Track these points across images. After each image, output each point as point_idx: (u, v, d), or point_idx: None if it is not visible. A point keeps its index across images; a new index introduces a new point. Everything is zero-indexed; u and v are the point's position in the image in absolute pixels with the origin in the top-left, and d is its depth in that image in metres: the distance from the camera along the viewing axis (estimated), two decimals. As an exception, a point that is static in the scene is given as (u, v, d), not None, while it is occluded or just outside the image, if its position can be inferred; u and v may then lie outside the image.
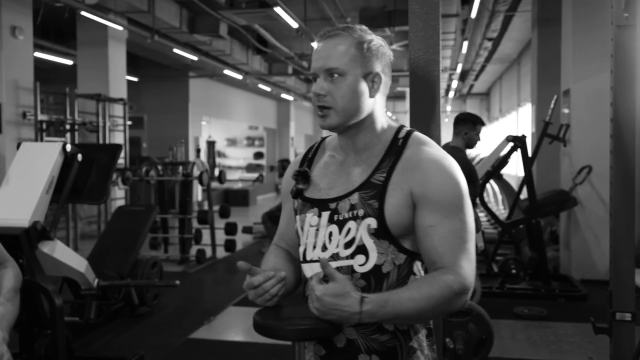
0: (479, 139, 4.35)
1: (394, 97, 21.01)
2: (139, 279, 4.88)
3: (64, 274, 4.11)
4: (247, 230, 9.21)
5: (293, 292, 1.53)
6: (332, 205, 1.43)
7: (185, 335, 4.62)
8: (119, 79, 9.42)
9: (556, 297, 5.58)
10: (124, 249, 4.97)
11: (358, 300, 1.28)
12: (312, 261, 1.45)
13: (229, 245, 7.54)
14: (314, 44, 1.46)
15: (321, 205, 1.45)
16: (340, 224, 1.41)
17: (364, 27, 1.47)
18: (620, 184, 3.04)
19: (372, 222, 1.37)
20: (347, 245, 1.40)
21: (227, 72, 11.79)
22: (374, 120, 1.46)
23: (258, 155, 19.53)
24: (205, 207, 11.37)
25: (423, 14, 1.91)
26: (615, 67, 3.01)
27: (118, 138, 9.18)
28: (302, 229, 1.48)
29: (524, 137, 5.84)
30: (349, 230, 1.40)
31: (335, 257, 1.41)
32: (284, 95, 17.10)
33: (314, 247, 1.45)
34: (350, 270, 1.39)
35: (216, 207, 8.73)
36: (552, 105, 6.18)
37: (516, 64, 14.20)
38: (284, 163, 9.19)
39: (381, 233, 1.37)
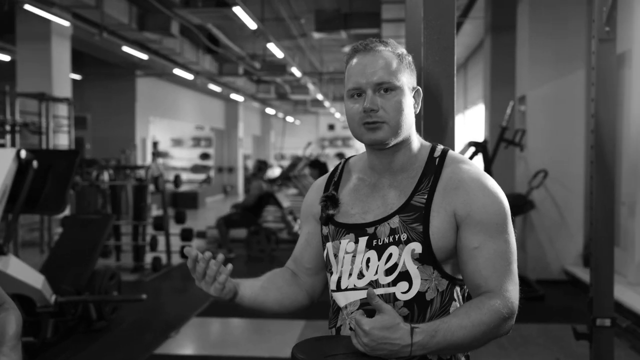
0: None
1: (342, 98, 21.05)
2: (97, 292, 4.64)
3: (19, 291, 3.85)
4: (201, 235, 9.01)
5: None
6: (370, 230, 1.35)
7: (149, 350, 4.42)
8: (63, 77, 9.01)
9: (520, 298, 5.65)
10: (80, 261, 4.71)
11: (408, 332, 1.21)
12: (347, 289, 1.37)
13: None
14: (354, 60, 1.37)
15: (358, 230, 1.37)
16: (380, 250, 1.34)
17: (390, 39, 1.41)
18: (601, 195, 3.06)
19: (416, 246, 1.31)
20: (389, 271, 1.33)
21: (177, 71, 11.51)
22: (413, 139, 1.40)
23: (204, 156, 19.20)
24: (154, 211, 11.08)
25: (438, 26, 1.84)
26: (596, 79, 3.03)
27: (62, 140, 8.79)
28: (335, 256, 1.40)
29: (485, 142, 5.91)
30: (390, 255, 1.33)
31: (374, 284, 1.34)
32: (233, 96, 16.86)
33: (350, 274, 1.37)
34: (392, 298, 1.32)
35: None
36: (508, 111, 6.29)
37: (463, 68, 14.44)
38: (261, 165, 9.00)
39: (426, 258, 1.31)
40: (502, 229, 1.32)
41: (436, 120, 1.86)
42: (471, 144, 5.91)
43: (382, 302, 1.24)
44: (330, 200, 1.42)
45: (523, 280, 6.03)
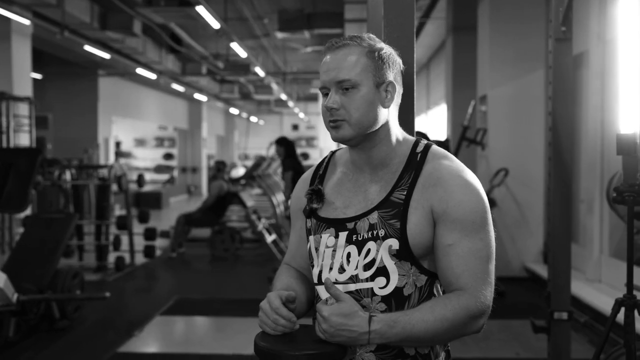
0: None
1: (305, 98, 21.13)
2: (60, 291, 4.60)
3: (-20, 289, 3.80)
4: (164, 234, 8.94)
5: (303, 316, 1.46)
6: (350, 225, 1.37)
7: (113, 349, 4.38)
8: (23, 77, 8.84)
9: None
10: (42, 260, 4.67)
11: (366, 320, 1.24)
12: None
13: (149, 251, 7.28)
14: (324, 59, 1.38)
15: (338, 225, 1.38)
16: (360, 245, 1.35)
17: (372, 35, 1.41)
18: (559, 191, 3.16)
19: (393, 242, 1.32)
20: (367, 266, 1.34)
21: (139, 71, 11.38)
22: (388, 133, 1.40)
23: (168, 157, 19.02)
24: (117, 212, 10.94)
25: (399, 25, 1.89)
26: (554, 78, 3.13)
27: (23, 139, 8.62)
28: (317, 250, 1.42)
29: (447, 141, 6.01)
30: (368, 251, 1.34)
31: (354, 279, 1.35)
32: (196, 96, 16.75)
33: (331, 268, 1.38)
34: (370, 293, 1.34)
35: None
36: (469, 110, 6.40)
37: (425, 68, 14.60)
38: (220, 165, 8.96)
39: (403, 254, 1.32)
40: (479, 227, 1.31)
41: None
42: (433, 142, 6.00)
43: (340, 291, 1.28)
44: (315, 194, 1.43)
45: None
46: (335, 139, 1.37)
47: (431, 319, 1.25)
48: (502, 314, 5.21)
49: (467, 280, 1.29)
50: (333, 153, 1.54)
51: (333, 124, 1.35)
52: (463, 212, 1.30)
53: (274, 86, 15.29)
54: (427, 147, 1.40)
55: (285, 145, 7.88)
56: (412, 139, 1.44)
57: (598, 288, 5.15)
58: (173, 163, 19.08)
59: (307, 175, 1.54)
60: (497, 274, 5.21)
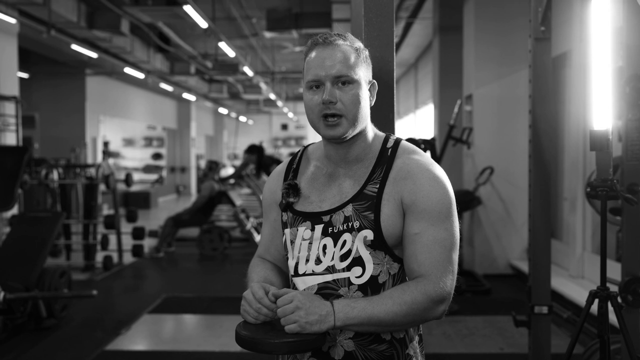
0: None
1: (294, 98, 21.15)
2: (47, 290, 4.61)
3: (-34, 288, 3.81)
4: (153, 234, 8.95)
5: None
6: (326, 218, 1.42)
7: (100, 347, 4.40)
8: (10, 76, 8.81)
9: (463, 292, 5.84)
10: (29, 258, 4.67)
11: (328, 302, 1.33)
12: (305, 275, 1.44)
13: (137, 251, 7.29)
14: (313, 53, 1.41)
15: (314, 218, 1.44)
16: (335, 237, 1.41)
17: (349, 33, 1.46)
18: (538, 187, 3.21)
19: (368, 233, 1.38)
20: (343, 257, 1.40)
21: (127, 70, 11.37)
22: (368, 130, 1.46)
23: (157, 156, 18.98)
24: (105, 211, 10.93)
25: (378, 23, 1.94)
26: (533, 76, 3.19)
27: (10, 139, 8.60)
28: (292, 242, 1.47)
29: (433, 139, 6.04)
30: (344, 242, 1.39)
31: (330, 269, 1.41)
32: (185, 95, 16.73)
33: (307, 260, 1.43)
34: (347, 283, 1.40)
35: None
36: (455, 110, 6.45)
37: (413, 68, 14.65)
38: (212, 165, 8.95)
39: (378, 244, 1.38)
40: (444, 218, 1.37)
41: (376, 113, 1.94)
42: (419, 141, 6.04)
43: (285, 290, 1.36)
44: (292, 188, 1.48)
45: (471, 275, 6.31)
46: (331, 137, 1.40)
47: (389, 302, 1.32)
48: (487, 310, 5.28)
49: (427, 268, 1.35)
50: (305, 148, 1.59)
51: (331, 122, 1.38)
52: (430, 203, 1.37)
53: (263, 86, 15.30)
54: (397, 143, 1.46)
55: (256, 151, 7.96)
56: (382, 134, 1.50)
57: (580, 284, 5.22)
58: (162, 163, 19.03)
59: (280, 169, 1.59)
60: (483, 272, 5.30)
